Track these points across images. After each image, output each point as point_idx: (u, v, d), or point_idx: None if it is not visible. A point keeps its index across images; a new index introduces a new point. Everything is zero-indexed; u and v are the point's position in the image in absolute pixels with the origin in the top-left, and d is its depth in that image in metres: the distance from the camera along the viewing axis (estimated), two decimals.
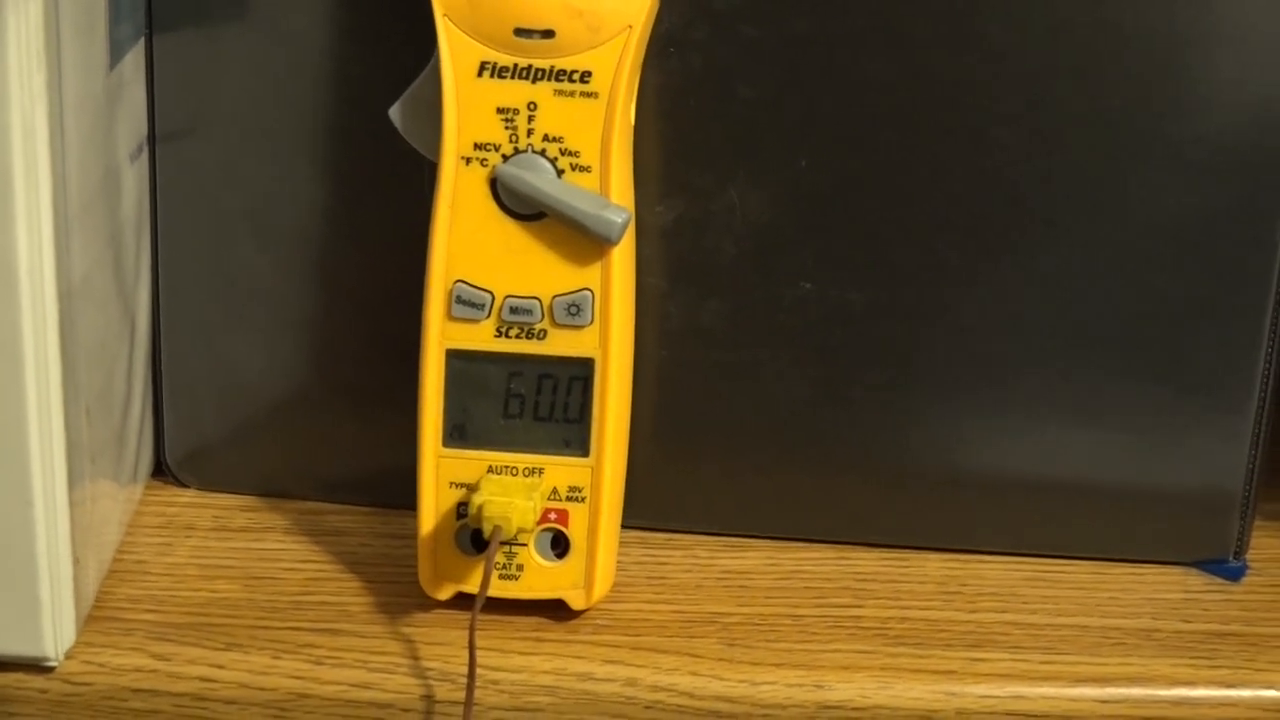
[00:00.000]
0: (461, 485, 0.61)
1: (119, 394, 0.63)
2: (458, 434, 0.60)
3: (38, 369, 0.56)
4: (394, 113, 0.60)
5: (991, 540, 0.65)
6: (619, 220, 0.58)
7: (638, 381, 0.62)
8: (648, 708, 0.60)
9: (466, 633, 0.59)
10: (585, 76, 0.58)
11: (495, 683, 0.60)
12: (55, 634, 0.59)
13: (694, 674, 0.60)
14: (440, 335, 0.60)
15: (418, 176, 0.60)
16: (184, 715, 0.60)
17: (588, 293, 0.59)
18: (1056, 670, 0.61)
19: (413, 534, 0.62)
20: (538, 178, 0.58)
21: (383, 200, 0.63)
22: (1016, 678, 0.60)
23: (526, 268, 0.59)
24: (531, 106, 0.58)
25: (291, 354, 0.65)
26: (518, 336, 0.60)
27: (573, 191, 0.58)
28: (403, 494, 0.62)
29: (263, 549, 0.65)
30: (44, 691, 0.59)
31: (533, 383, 0.60)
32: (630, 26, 0.58)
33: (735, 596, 0.63)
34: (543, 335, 0.60)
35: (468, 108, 0.58)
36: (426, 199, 0.59)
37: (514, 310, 0.59)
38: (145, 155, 0.64)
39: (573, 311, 0.59)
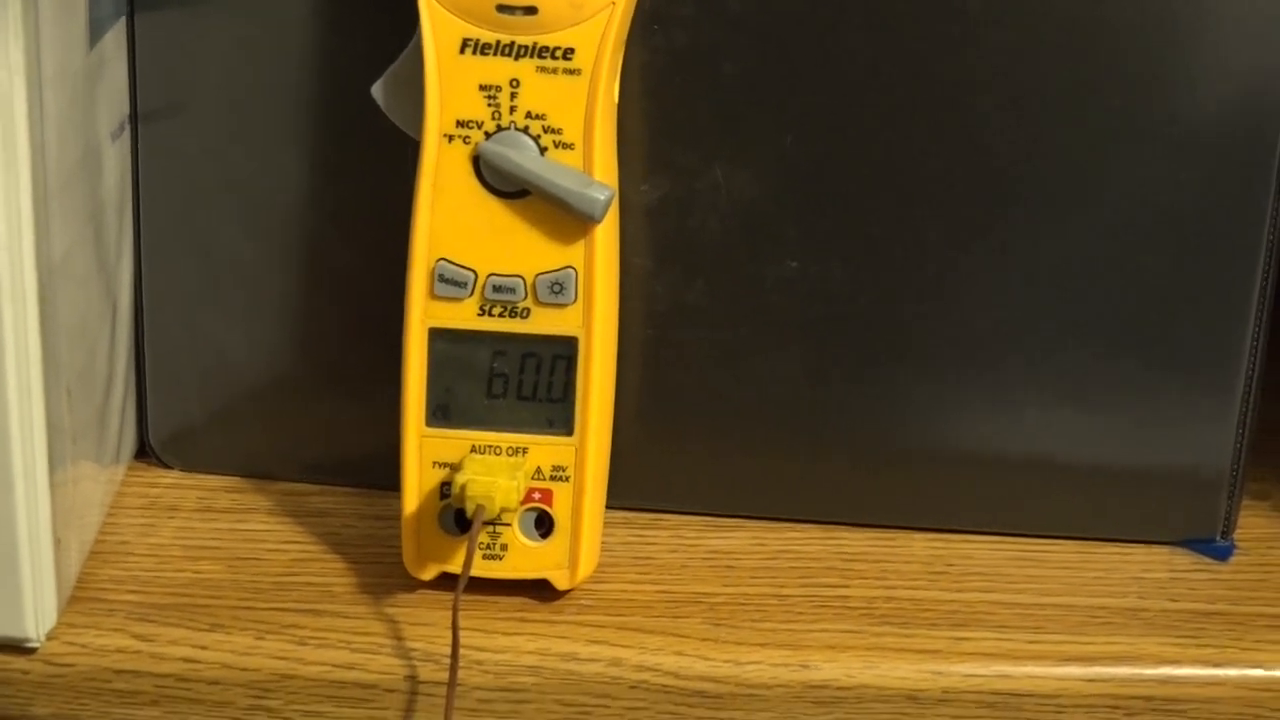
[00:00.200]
0: (445, 465, 0.60)
1: (101, 374, 0.63)
2: (441, 414, 0.60)
3: (17, 349, 0.56)
4: (376, 90, 0.60)
5: (978, 520, 0.65)
6: (602, 198, 0.58)
7: (622, 361, 0.62)
8: (632, 688, 0.60)
9: (450, 613, 0.58)
10: (568, 53, 0.58)
11: (479, 663, 0.60)
12: (37, 615, 0.59)
13: (679, 654, 0.60)
14: (423, 314, 0.60)
15: (401, 155, 0.60)
16: (167, 696, 0.60)
17: (571, 271, 0.59)
18: (1043, 650, 0.61)
19: (397, 514, 0.61)
20: (520, 155, 0.58)
21: (366, 179, 0.63)
22: (1002, 657, 0.60)
23: (510, 246, 0.59)
24: (514, 84, 0.58)
25: (275, 334, 0.65)
26: (501, 315, 0.59)
27: (556, 169, 0.58)
28: (386, 474, 0.62)
29: (246, 530, 0.65)
30: (25, 673, 0.59)
31: (516, 362, 0.60)
32: (613, 3, 0.57)
33: (721, 576, 0.63)
34: (526, 314, 0.59)
35: (450, 85, 0.58)
36: (410, 177, 0.59)
37: (497, 289, 0.59)
38: (127, 134, 0.63)
39: (556, 290, 0.59)
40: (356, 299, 0.64)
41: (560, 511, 0.61)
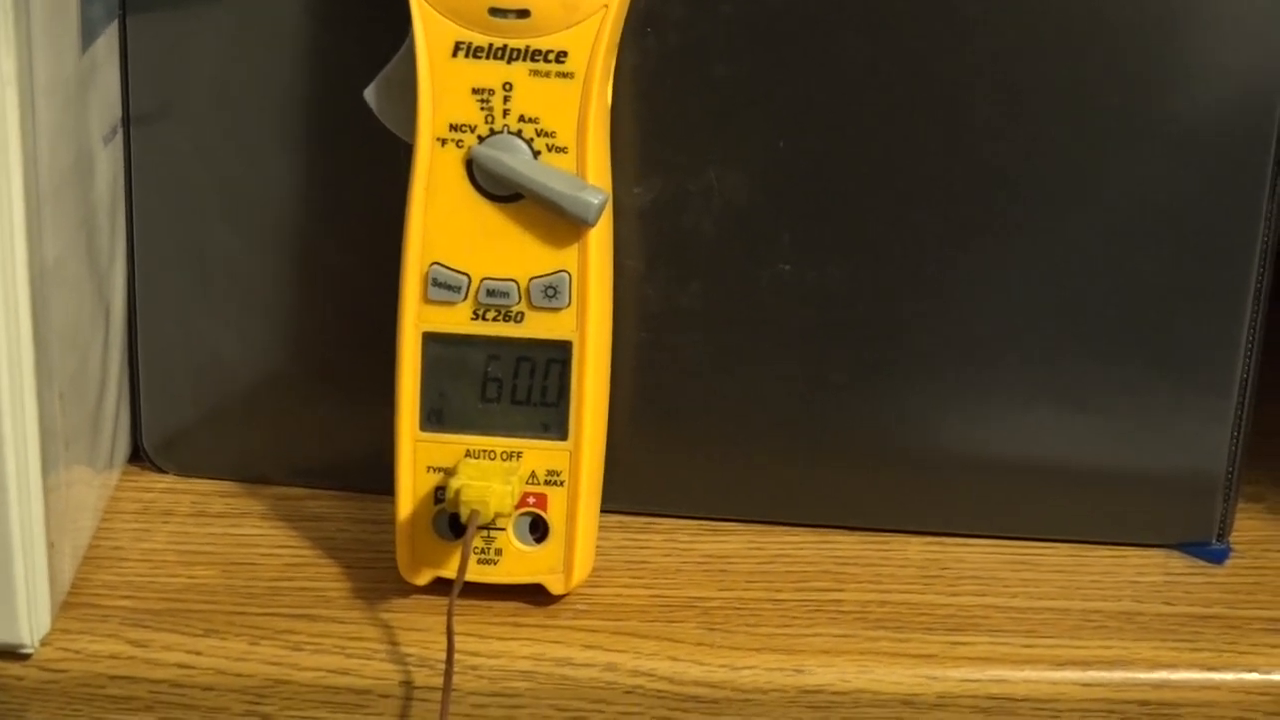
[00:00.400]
0: (439, 469, 0.60)
1: (94, 378, 0.63)
2: (435, 418, 0.60)
3: (10, 353, 0.56)
4: (369, 94, 0.60)
5: (973, 523, 0.65)
6: (596, 201, 0.58)
7: (617, 364, 0.62)
8: (627, 693, 0.59)
9: (445, 618, 0.58)
10: (561, 56, 0.58)
11: (474, 668, 0.59)
12: (30, 621, 0.59)
13: (673, 659, 0.60)
14: (416, 318, 0.59)
15: (395, 157, 0.60)
16: (161, 702, 0.59)
17: (565, 275, 0.59)
18: (1037, 654, 0.60)
19: (391, 519, 0.61)
20: (514, 159, 0.58)
21: (360, 182, 0.63)
22: (997, 661, 0.60)
23: (503, 250, 0.59)
24: (507, 87, 0.58)
25: (269, 338, 0.65)
26: (495, 319, 0.59)
27: (549, 173, 0.58)
28: (381, 479, 0.62)
29: (241, 535, 0.64)
30: (20, 679, 0.59)
31: (510, 366, 0.60)
32: (606, 6, 0.57)
33: (715, 581, 0.63)
34: (520, 318, 0.59)
35: (442, 89, 0.58)
36: (404, 181, 0.59)
37: (491, 292, 0.59)
38: (119, 137, 0.63)
39: (550, 294, 0.59)
40: (351, 303, 0.64)
41: (555, 516, 0.61)
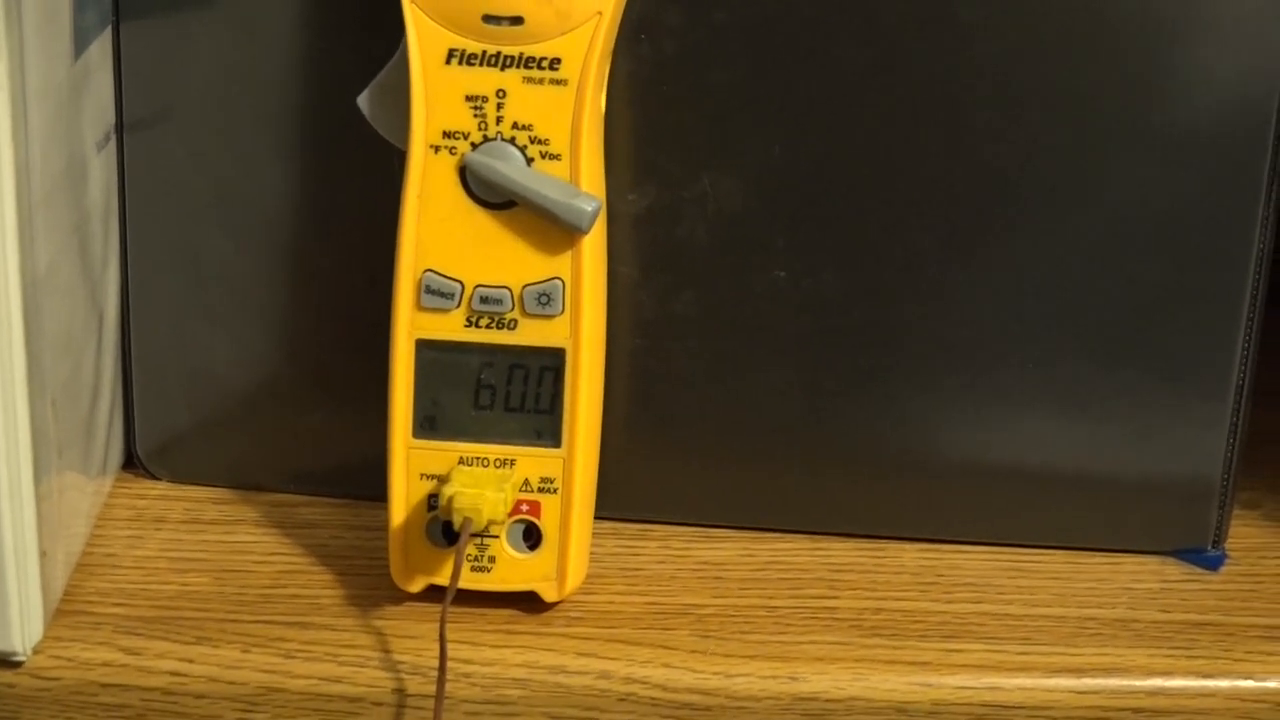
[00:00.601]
0: (432, 477, 0.60)
1: (87, 385, 0.62)
2: (428, 425, 0.60)
3: (1, 360, 0.56)
4: (362, 101, 0.60)
5: (968, 530, 0.65)
6: (589, 209, 0.58)
7: (611, 371, 0.62)
8: (621, 700, 0.59)
9: (438, 626, 0.58)
10: (554, 63, 0.57)
11: (467, 676, 0.59)
12: (23, 628, 0.58)
13: (668, 666, 0.60)
14: (410, 325, 0.59)
15: (388, 165, 0.60)
16: (153, 710, 0.59)
17: (558, 282, 0.59)
18: (1032, 661, 0.60)
19: (384, 526, 0.61)
20: (507, 166, 0.58)
21: (353, 189, 0.63)
22: (992, 669, 0.60)
23: (496, 257, 0.59)
24: (500, 94, 0.58)
25: (263, 345, 0.65)
26: (488, 326, 0.59)
27: (542, 180, 0.58)
28: (374, 486, 0.61)
29: (234, 542, 0.64)
30: (12, 686, 0.59)
31: (503, 373, 0.60)
32: (600, 13, 0.57)
33: (710, 588, 0.63)
34: (513, 325, 0.59)
35: (436, 95, 0.58)
36: (397, 188, 0.59)
37: (484, 300, 0.59)
38: (113, 144, 0.63)
39: (543, 301, 0.59)
40: (345, 309, 0.64)
41: (548, 523, 0.60)
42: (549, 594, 0.61)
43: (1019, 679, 0.60)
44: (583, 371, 0.59)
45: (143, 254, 0.64)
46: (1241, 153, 0.61)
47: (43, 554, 0.59)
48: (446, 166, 0.58)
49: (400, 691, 0.59)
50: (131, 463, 0.67)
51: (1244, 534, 0.66)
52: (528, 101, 0.58)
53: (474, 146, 0.58)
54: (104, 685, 0.59)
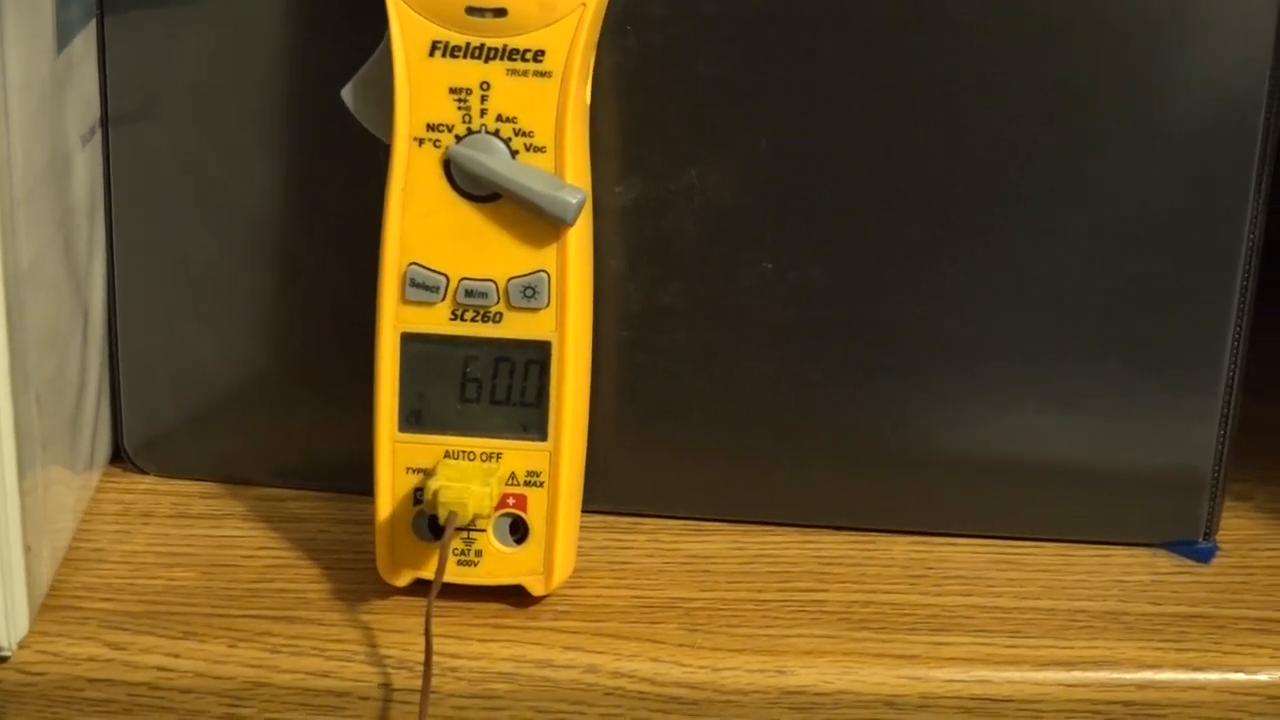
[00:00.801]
0: (418, 470, 0.60)
1: (72, 380, 0.62)
2: (414, 419, 0.60)
3: None
4: (346, 94, 0.59)
5: (958, 523, 0.65)
6: (574, 201, 0.58)
7: (598, 364, 0.62)
8: (608, 694, 0.59)
9: (424, 620, 0.58)
10: (539, 55, 0.57)
11: (454, 670, 0.59)
12: (8, 623, 0.58)
13: (655, 660, 0.60)
14: (395, 318, 0.59)
15: (373, 158, 0.60)
16: (140, 704, 0.59)
17: (544, 275, 0.58)
18: (1022, 654, 0.60)
19: (371, 520, 0.61)
20: (491, 159, 0.58)
21: (338, 182, 0.63)
22: (981, 662, 0.60)
23: (481, 250, 0.58)
24: (484, 86, 0.58)
25: (249, 339, 0.65)
26: (473, 319, 0.59)
27: (527, 172, 0.58)
28: (361, 480, 0.61)
29: (221, 536, 0.64)
30: None
31: (489, 366, 0.59)
32: (584, 4, 0.57)
33: (698, 581, 0.63)
34: (499, 318, 0.59)
35: (420, 88, 0.58)
36: (382, 181, 0.59)
37: (469, 293, 0.59)
38: (98, 138, 0.63)
39: (529, 294, 0.59)
40: (330, 303, 0.64)
41: (535, 517, 0.60)
42: (536, 588, 0.61)
43: (1008, 672, 0.60)
44: (569, 364, 0.59)
45: (128, 248, 0.64)
46: (1230, 148, 0.61)
47: (28, 549, 0.58)
48: (431, 159, 0.58)
49: (387, 686, 0.59)
50: (119, 457, 0.67)
51: (1235, 526, 0.65)
52: (512, 94, 0.57)
53: (458, 139, 0.58)
54: (90, 680, 0.59)
